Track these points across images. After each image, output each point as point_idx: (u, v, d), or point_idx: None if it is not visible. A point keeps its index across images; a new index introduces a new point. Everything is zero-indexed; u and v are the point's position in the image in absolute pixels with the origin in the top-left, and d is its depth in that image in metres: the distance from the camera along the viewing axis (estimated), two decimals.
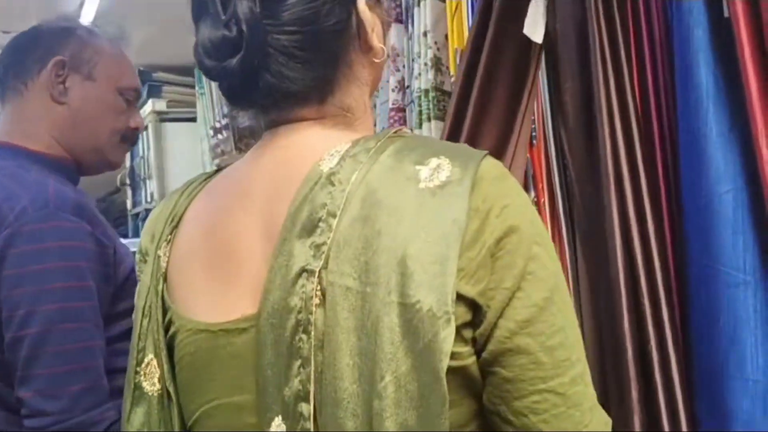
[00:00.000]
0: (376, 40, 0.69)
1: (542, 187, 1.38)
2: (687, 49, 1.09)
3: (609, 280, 1.11)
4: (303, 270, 0.59)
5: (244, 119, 2.60)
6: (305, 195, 0.61)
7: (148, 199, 3.82)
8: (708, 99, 1.07)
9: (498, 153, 1.28)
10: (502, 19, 1.29)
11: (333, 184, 0.60)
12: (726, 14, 1.09)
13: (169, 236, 0.71)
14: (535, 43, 1.27)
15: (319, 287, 0.58)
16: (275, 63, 0.63)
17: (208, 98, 3.51)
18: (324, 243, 0.59)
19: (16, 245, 0.92)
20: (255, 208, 0.66)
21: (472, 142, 1.28)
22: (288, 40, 0.62)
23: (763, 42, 1.00)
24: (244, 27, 0.61)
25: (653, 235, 1.10)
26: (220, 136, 3.18)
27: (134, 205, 4.08)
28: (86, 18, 2.82)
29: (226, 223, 0.67)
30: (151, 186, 3.74)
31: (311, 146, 0.65)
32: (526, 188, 1.42)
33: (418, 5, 1.81)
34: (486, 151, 0.63)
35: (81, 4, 2.77)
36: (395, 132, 0.65)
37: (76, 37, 1.12)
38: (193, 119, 3.66)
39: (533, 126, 1.40)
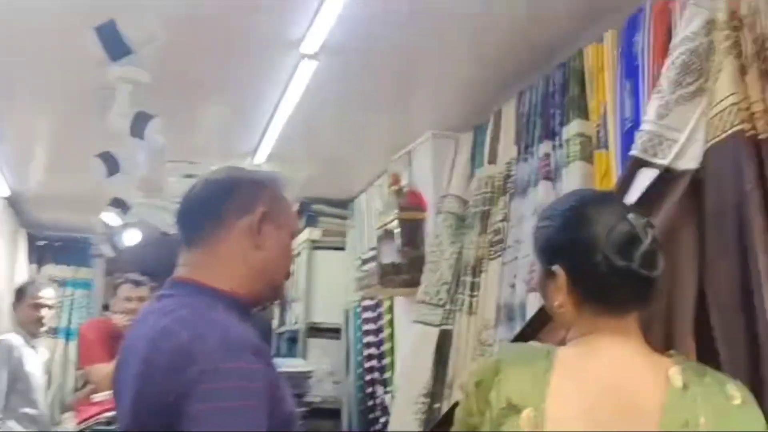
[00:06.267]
0: None
1: None
2: None
3: None
4: None
5: (389, 257, 2.65)
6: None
7: (294, 321, 3.99)
8: None
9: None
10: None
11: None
12: None
13: (542, 404, 0.95)
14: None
15: None
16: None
17: (359, 231, 3.71)
18: None
19: (204, 381, 0.98)
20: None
21: None
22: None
23: None
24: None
25: None
26: (365, 267, 3.33)
27: (280, 324, 4.25)
28: (260, 157, 3.13)
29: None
30: (298, 308, 3.92)
31: (648, 361, 1.01)
32: None
33: (567, 166, 1.87)
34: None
35: (257, 146, 3.07)
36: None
37: (271, 190, 1.24)
38: (342, 248, 3.87)
39: None
